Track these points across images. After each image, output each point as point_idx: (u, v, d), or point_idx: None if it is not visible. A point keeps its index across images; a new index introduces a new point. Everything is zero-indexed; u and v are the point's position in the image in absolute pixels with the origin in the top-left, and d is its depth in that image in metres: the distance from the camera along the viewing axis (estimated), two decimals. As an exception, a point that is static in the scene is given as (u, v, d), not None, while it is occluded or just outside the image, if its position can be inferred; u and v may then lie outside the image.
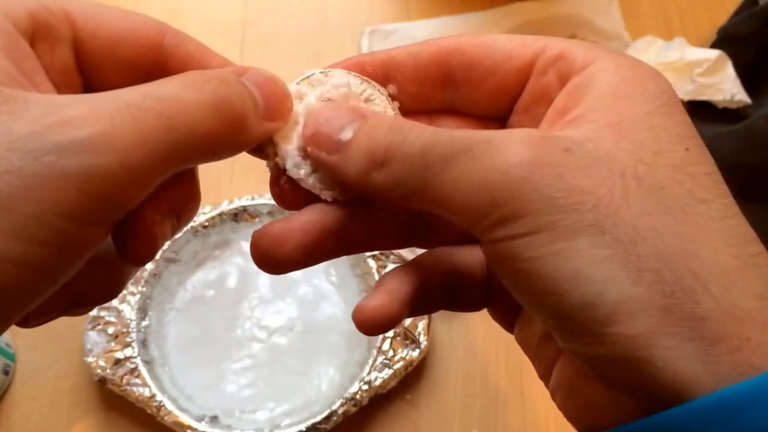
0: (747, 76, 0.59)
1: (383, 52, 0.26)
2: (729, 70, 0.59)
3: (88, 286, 0.23)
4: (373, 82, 0.26)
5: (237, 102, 0.22)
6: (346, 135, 0.23)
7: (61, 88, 0.23)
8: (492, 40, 0.25)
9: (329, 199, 0.24)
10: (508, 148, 0.20)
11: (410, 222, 0.25)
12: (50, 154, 0.18)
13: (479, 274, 0.27)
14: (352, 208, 0.24)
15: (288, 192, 0.25)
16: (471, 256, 0.27)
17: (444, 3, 0.67)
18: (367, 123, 0.23)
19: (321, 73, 0.26)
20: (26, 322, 0.23)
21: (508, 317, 0.27)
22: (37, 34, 0.22)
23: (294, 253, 0.23)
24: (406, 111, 0.26)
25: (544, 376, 0.25)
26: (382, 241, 0.26)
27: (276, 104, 0.24)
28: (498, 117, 0.26)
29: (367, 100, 0.26)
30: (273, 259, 0.23)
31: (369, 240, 0.25)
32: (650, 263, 0.19)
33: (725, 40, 0.61)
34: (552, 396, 0.24)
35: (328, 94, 0.25)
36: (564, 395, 0.23)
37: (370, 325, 0.24)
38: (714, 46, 0.62)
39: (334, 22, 0.67)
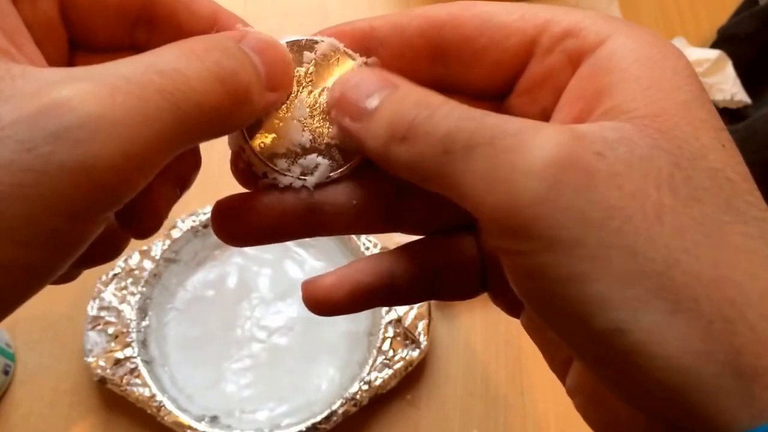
0: (747, 76, 0.59)
1: (365, 22, 0.24)
2: (729, 70, 0.59)
3: (95, 248, 0.22)
4: (362, 57, 0.24)
5: (241, 74, 0.20)
6: (372, 103, 0.21)
7: (45, 43, 0.21)
8: (488, 13, 0.22)
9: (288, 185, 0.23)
10: (535, 147, 0.18)
11: (388, 208, 0.24)
12: (45, 145, 0.16)
13: (470, 264, 0.25)
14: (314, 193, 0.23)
15: (247, 172, 0.24)
16: (459, 245, 0.25)
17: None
18: (395, 93, 0.21)
19: (307, 41, 0.24)
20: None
21: (512, 302, 0.25)
22: None
23: (250, 228, 0.23)
24: None
25: (558, 371, 0.23)
26: (351, 227, 0.24)
27: (278, 73, 0.22)
28: (494, 95, 0.24)
29: None
30: (233, 232, 0.24)
31: (336, 226, 0.24)
32: (687, 290, 0.17)
33: (725, 40, 0.61)
34: (569, 394, 0.23)
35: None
36: (585, 402, 0.22)
37: (311, 302, 0.25)
38: (714, 46, 0.62)
39: (334, 22, 0.66)
